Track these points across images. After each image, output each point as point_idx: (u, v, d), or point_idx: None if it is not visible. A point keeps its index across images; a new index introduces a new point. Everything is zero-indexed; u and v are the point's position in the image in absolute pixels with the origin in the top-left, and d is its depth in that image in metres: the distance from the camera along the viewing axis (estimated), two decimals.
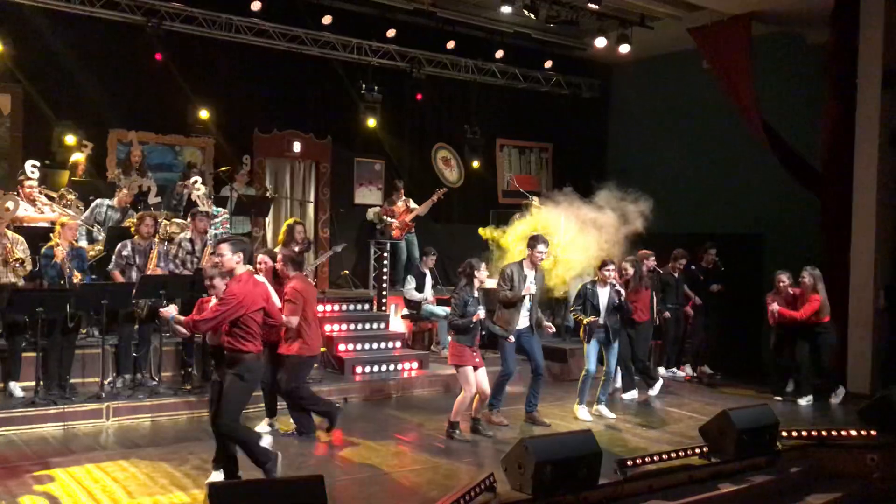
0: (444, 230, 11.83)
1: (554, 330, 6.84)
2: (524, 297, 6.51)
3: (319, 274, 10.25)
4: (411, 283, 9.53)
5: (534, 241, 6.69)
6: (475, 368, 6.16)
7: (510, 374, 6.63)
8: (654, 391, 8.08)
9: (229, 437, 4.77)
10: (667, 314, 8.91)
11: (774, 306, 7.86)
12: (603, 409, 7.21)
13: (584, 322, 6.87)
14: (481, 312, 6.06)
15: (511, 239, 9.93)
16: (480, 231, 10.57)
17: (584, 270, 8.62)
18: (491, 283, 7.17)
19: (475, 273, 6.17)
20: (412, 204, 10.87)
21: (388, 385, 8.12)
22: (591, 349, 6.95)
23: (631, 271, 8.06)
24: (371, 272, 10.12)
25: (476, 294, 6.19)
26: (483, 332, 6.20)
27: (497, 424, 6.61)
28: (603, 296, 7.09)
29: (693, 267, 9.70)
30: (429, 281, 9.69)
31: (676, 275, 9.37)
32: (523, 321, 6.60)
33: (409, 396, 8.06)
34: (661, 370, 9.36)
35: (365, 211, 10.91)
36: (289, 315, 5.85)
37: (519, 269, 6.61)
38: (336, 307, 9.33)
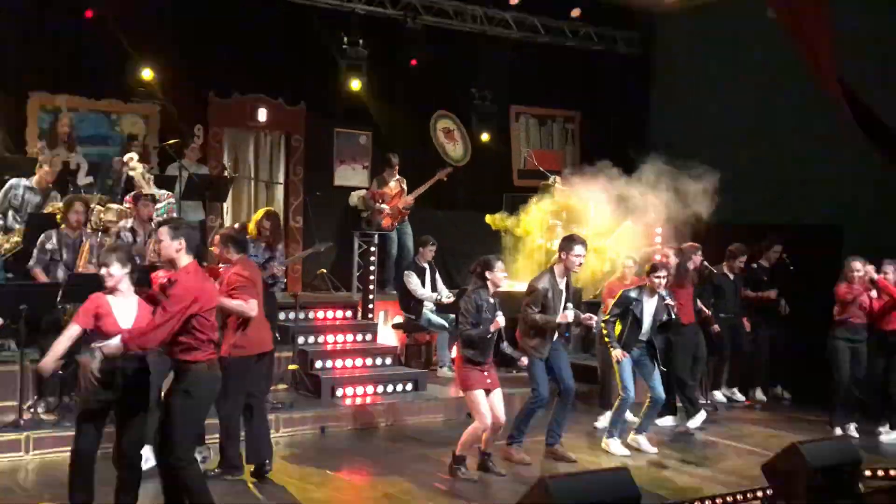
0: (445, 219, 11.89)
1: (595, 321, 6.92)
2: (560, 324, 6.65)
3: (290, 273, 10.33)
4: (412, 278, 9.62)
5: (568, 242, 6.74)
6: (487, 392, 6.23)
7: (543, 401, 6.73)
8: (694, 423, 8.19)
9: (179, 479, 4.65)
10: (716, 327, 9.02)
11: (864, 298, 7.91)
12: (642, 440, 7.29)
13: (614, 356, 7.02)
14: (500, 319, 6.12)
15: (525, 227, 10.12)
16: (488, 219, 10.79)
17: (618, 265, 8.64)
18: (510, 284, 7.30)
19: (490, 273, 6.24)
20: (406, 186, 10.95)
21: (376, 411, 8.20)
22: (625, 368, 7.09)
23: (673, 261, 8.21)
24: (355, 271, 10.21)
25: (492, 298, 6.26)
26: (498, 352, 6.29)
27: (518, 462, 6.71)
28: (649, 307, 7.21)
29: (755, 266, 9.80)
30: (429, 276, 9.81)
31: (733, 276, 9.52)
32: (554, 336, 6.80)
33: (401, 425, 8.12)
34: (717, 394, 9.62)
35: (347, 195, 10.95)
36: (246, 299, 5.75)
37: (552, 280, 6.68)
38: (311, 315, 9.49)
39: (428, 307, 9.84)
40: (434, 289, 9.87)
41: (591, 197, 9.47)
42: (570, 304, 6.75)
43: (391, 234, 10.68)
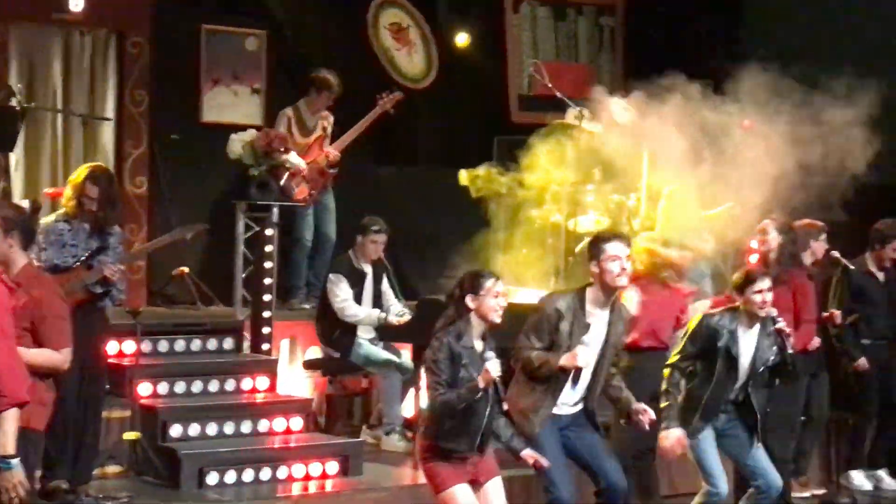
0: (395, 181, 11.95)
1: (653, 418, 7.18)
2: (571, 370, 6.98)
3: (131, 275, 10.25)
4: (341, 287, 9.89)
5: (595, 244, 7.06)
6: (474, 483, 6.50)
7: (562, 501, 7.01)
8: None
9: None
10: (862, 362, 9.50)
11: None
12: None
13: (669, 440, 7.39)
14: (493, 368, 6.36)
15: (531, 193, 10.07)
16: (465, 178, 10.77)
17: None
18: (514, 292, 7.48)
19: (474, 299, 6.47)
20: (331, 128, 11.12)
21: None
22: (706, 449, 7.46)
23: (774, 243, 8.62)
24: (238, 272, 10.38)
25: (479, 341, 6.52)
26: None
27: None
28: (748, 343, 7.51)
29: None
30: (371, 284, 10.04)
31: (884, 275, 9.89)
32: (569, 400, 7.11)
33: None
34: (856, 477, 9.89)
35: (224, 139, 10.77)
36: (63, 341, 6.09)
37: (574, 304, 7.01)
38: (162, 346, 9.56)
39: (365, 335, 10.04)
40: (378, 304, 10.11)
41: (652, 139, 9.56)
42: (588, 345, 6.98)
43: (304, 212, 11.00)
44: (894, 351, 9.91)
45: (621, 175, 10.19)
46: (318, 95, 11.05)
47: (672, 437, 7.35)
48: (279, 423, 9.21)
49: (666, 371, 7.50)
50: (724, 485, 7.46)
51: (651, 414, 7.09)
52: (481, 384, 6.35)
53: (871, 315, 9.77)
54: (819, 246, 9.21)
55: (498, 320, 6.53)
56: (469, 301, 6.46)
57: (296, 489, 8.62)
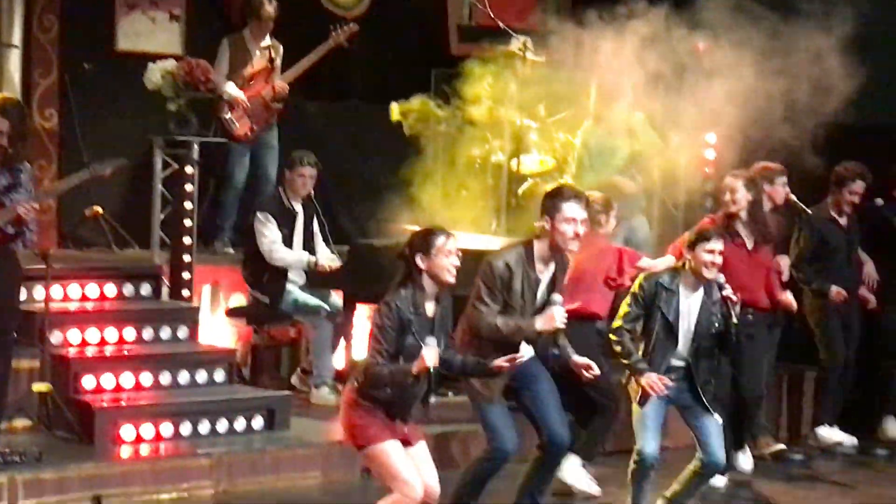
0: (328, 119, 11.98)
1: (597, 373, 7.22)
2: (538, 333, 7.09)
3: (41, 215, 9.93)
4: (269, 227, 9.89)
5: (553, 200, 7.08)
6: (406, 443, 6.50)
7: (504, 459, 7.08)
8: (746, 464, 9.19)
9: None
10: (833, 289, 9.75)
11: None
12: None
13: (642, 382, 7.37)
14: (429, 357, 6.28)
15: (464, 121, 10.14)
16: (396, 112, 10.85)
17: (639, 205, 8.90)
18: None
19: (425, 258, 6.42)
20: (280, 58, 11.12)
21: (196, 468, 8.35)
22: (650, 416, 7.45)
23: (743, 200, 8.78)
24: (155, 213, 10.49)
25: (431, 302, 6.47)
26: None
27: None
28: (690, 305, 7.51)
29: (880, 203, 10.29)
30: (301, 224, 10.10)
31: (845, 221, 10.02)
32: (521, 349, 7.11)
33: (244, 492, 8.34)
34: (823, 432, 10.21)
35: (142, 68, 10.81)
36: None
37: (524, 262, 7.02)
38: (75, 291, 9.50)
39: (295, 280, 10.07)
40: (309, 247, 10.13)
41: (602, 70, 9.60)
42: (556, 299, 7.02)
43: (240, 150, 11.11)
44: (856, 299, 10.08)
45: (568, 111, 10.29)
46: (256, 23, 11.00)
47: (650, 379, 7.32)
48: (201, 375, 9.22)
49: (612, 336, 7.49)
50: (652, 449, 7.46)
51: (595, 368, 7.13)
52: (414, 370, 6.29)
53: (833, 264, 9.91)
54: (778, 191, 9.27)
55: (451, 280, 6.45)
56: (419, 261, 6.38)
57: (219, 445, 8.63)
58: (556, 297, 7.06)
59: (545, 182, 10.53)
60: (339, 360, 10.14)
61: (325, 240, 10.33)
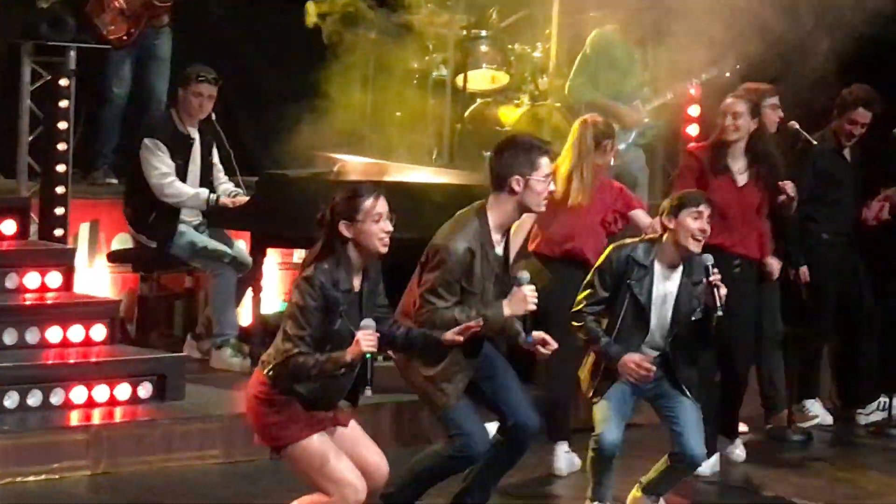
0: (232, 24, 11.91)
1: (554, 347, 7.22)
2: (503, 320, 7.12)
3: None
4: (159, 156, 9.84)
5: (531, 153, 7.12)
6: (331, 430, 6.58)
7: (473, 456, 7.15)
8: (737, 451, 9.31)
9: None
10: (803, 272, 9.83)
11: None
12: None
13: (620, 367, 7.49)
14: (366, 341, 6.35)
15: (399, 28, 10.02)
16: (309, 11, 10.78)
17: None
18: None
19: (353, 221, 6.42)
20: None
21: (71, 444, 8.25)
22: (613, 403, 7.57)
23: (745, 127, 8.82)
24: (23, 134, 10.24)
25: (358, 276, 6.52)
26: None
27: None
28: (667, 286, 7.61)
29: None
30: (198, 156, 10.09)
31: (849, 153, 10.19)
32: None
33: (129, 473, 8.30)
34: (812, 406, 10.34)
35: None
36: None
37: (480, 236, 7.10)
38: None
39: (190, 219, 10.06)
40: (207, 181, 10.15)
41: None
42: (523, 277, 7.05)
43: (120, 59, 10.97)
44: (855, 252, 10.21)
45: (525, 18, 10.18)
46: None
47: (633, 360, 7.40)
48: (76, 332, 9.08)
49: (574, 323, 7.56)
50: (610, 437, 7.48)
51: (552, 343, 7.13)
52: (348, 358, 6.29)
53: (836, 202, 10.01)
54: (769, 115, 9.23)
55: (384, 250, 6.47)
56: (344, 229, 6.35)
57: (97, 417, 8.54)
58: (524, 275, 7.06)
59: (497, 103, 10.68)
60: (244, 316, 10.11)
61: (228, 171, 10.26)
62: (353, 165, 10.28)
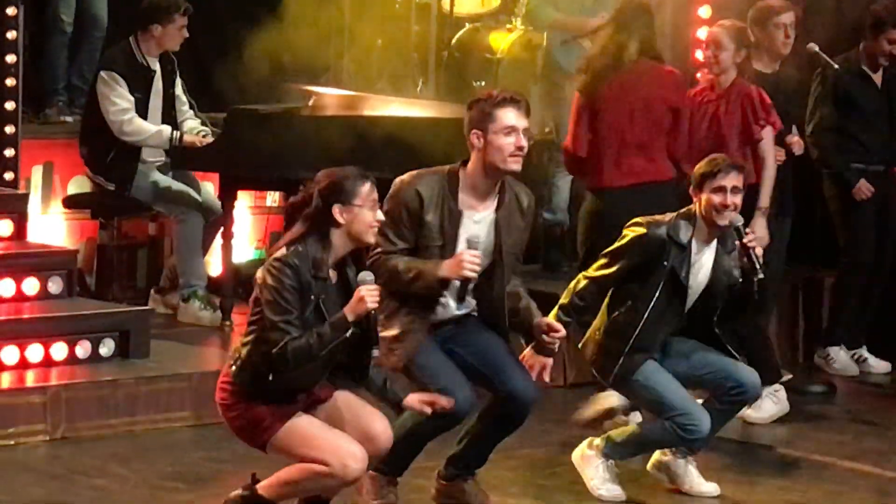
0: None
1: (562, 334, 7.30)
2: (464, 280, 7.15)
3: None
4: (117, 91, 9.87)
5: (488, 105, 7.15)
6: (316, 404, 6.65)
7: (457, 415, 7.13)
8: (764, 411, 9.15)
9: None
10: (863, 185, 9.94)
11: None
12: (692, 475, 7.87)
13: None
14: (370, 295, 6.42)
15: None
16: None
17: None
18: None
19: (350, 204, 6.47)
20: None
21: (26, 407, 8.31)
22: (655, 380, 7.61)
23: (728, 60, 8.92)
24: None
25: (334, 269, 6.57)
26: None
27: None
28: (702, 264, 7.67)
29: None
30: (160, 89, 10.13)
31: (881, 76, 10.20)
32: (450, 314, 7.30)
33: (88, 439, 8.33)
34: (837, 354, 10.36)
35: None
36: None
37: (442, 188, 7.16)
38: None
39: (152, 160, 10.09)
40: (170, 117, 10.16)
41: None
42: (477, 241, 7.07)
43: None
44: (892, 183, 10.16)
45: None
46: None
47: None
48: (30, 285, 9.09)
49: (580, 283, 7.55)
50: (700, 416, 7.50)
51: (562, 330, 7.18)
52: (351, 317, 6.32)
53: (864, 131, 9.98)
54: (777, 36, 9.23)
55: (373, 240, 6.58)
56: (338, 214, 6.38)
57: (54, 377, 8.56)
58: (476, 238, 7.07)
59: (487, 29, 10.65)
60: (214, 266, 10.17)
61: (193, 106, 10.28)
62: (330, 99, 10.23)
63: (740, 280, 7.55)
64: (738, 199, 7.46)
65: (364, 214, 6.42)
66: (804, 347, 10.68)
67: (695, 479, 7.71)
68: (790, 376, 9.66)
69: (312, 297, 6.37)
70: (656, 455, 7.77)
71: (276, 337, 6.28)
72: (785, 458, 8.58)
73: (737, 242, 7.51)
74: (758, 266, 7.48)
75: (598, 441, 7.63)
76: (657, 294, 7.48)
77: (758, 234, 8.57)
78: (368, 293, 6.32)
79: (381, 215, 6.55)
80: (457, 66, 10.40)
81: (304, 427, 6.41)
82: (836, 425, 9.34)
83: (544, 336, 7.16)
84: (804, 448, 8.71)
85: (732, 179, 7.44)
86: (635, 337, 7.50)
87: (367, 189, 6.42)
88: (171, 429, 8.50)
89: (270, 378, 6.39)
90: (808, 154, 9.71)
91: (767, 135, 8.82)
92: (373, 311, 6.37)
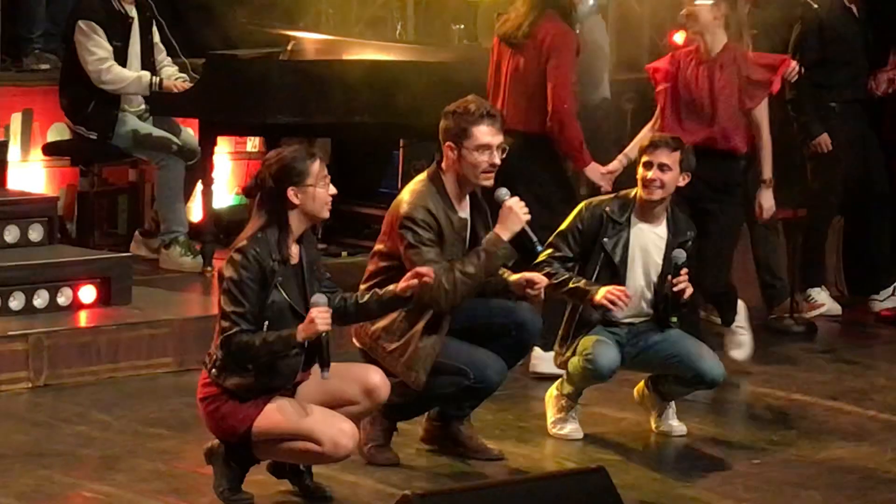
0: None
1: (544, 282, 7.36)
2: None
3: None
4: (95, 39, 9.87)
5: (464, 121, 7.20)
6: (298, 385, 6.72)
7: (489, 386, 7.29)
8: (741, 350, 9.13)
9: None
10: (823, 139, 9.91)
11: None
12: (671, 421, 8.01)
13: (600, 298, 7.48)
14: (321, 315, 6.41)
15: None
16: None
17: None
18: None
19: (302, 185, 6.49)
20: None
21: (4, 354, 8.31)
22: (601, 351, 7.61)
23: (709, 25, 8.80)
24: None
25: (296, 245, 6.61)
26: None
27: (375, 461, 7.29)
28: (643, 242, 7.68)
29: None
30: (138, 36, 10.12)
31: (856, 9, 10.26)
32: None
33: (70, 386, 8.37)
34: (816, 293, 10.43)
35: None
36: None
37: (439, 201, 7.21)
38: None
39: (132, 109, 10.09)
40: (149, 63, 10.14)
41: None
42: (503, 192, 7.16)
43: None
44: (867, 122, 10.27)
45: None
46: None
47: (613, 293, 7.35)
48: (11, 233, 9.11)
49: (540, 262, 7.54)
50: (606, 361, 7.51)
51: (542, 279, 7.25)
52: (300, 337, 6.33)
53: (846, 64, 10.04)
54: None
55: (327, 215, 6.64)
56: (292, 196, 6.41)
57: (37, 324, 8.55)
58: (502, 190, 7.15)
59: None
60: (195, 211, 10.17)
61: (171, 52, 10.26)
62: (308, 43, 10.25)
63: (677, 264, 7.53)
64: (666, 178, 7.47)
65: (318, 193, 6.46)
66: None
67: (668, 414, 7.88)
68: (773, 317, 9.84)
69: (277, 282, 6.40)
70: (640, 385, 7.89)
71: (225, 325, 6.32)
72: (765, 397, 8.58)
73: (669, 277, 7.49)
74: (675, 311, 7.57)
75: (558, 382, 7.74)
76: (597, 270, 7.54)
77: (765, 206, 8.80)
78: (319, 315, 6.31)
79: (334, 190, 6.56)
80: (435, 9, 10.40)
81: (277, 419, 6.43)
82: (816, 365, 9.39)
83: (528, 291, 7.21)
84: (784, 387, 8.72)
85: (663, 156, 7.47)
86: (579, 315, 7.58)
87: (317, 167, 6.46)
88: (154, 375, 8.53)
89: (240, 377, 6.42)
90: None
91: (762, 104, 8.77)
92: (324, 334, 6.34)
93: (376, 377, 6.62)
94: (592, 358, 7.44)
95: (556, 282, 7.45)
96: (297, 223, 6.49)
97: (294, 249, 6.53)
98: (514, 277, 7.27)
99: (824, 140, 9.88)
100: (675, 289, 7.48)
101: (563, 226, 7.63)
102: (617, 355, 7.53)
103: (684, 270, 7.50)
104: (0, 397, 8.08)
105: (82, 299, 8.77)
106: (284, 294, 6.40)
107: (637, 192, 7.57)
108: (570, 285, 7.45)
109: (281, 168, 6.45)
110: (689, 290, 7.54)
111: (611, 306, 7.36)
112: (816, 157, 9.98)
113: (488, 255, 7.05)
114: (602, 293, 7.34)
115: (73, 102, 9.93)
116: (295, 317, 6.40)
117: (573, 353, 7.55)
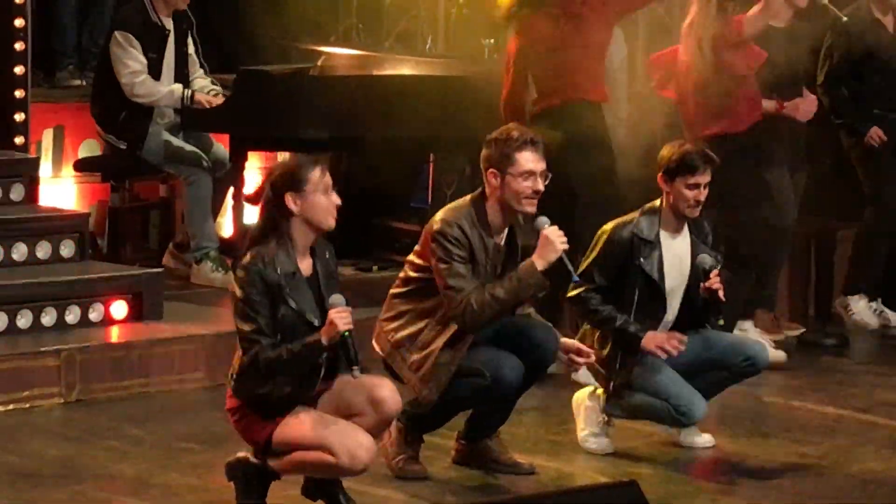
0: None
1: (590, 359, 7.47)
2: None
3: None
4: (131, 52, 9.89)
5: (508, 148, 7.21)
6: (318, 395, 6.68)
7: (508, 388, 7.24)
8: (773, 354, 8.95)
9: None
10: (874, 131, 9.88)
11: None
12: (695, 437, 7.98)
13: (647, 346, 7.52)
14: (340, 315, 6.39)
15: None
16: None
17: None
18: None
19: (301, 191, 6.45)
20: None
21: (36, 370, 8.31)
22: (663, 377, 7.64)
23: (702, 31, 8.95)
24: None
25: (304, 255, 6.56)
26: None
27: (404, 473, 7.28)
28: (674, 255, 7.68)
29: None
30: (173, 49, 10.11)
31: (892, 21, 10.16)
32: None
33: (102, 401, 8.40)
34: (855, 302, 10.28)
35: None
36: None
37: (476, 225, 7.23)
38: None
39: (163, 121, 10.11)
40: (182, 76, 10.17)
41: None
42: (543, 220, 7.16)
43: None
44: None
45: None
46: None
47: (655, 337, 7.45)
48: (43, 249, 9.10)
49: (577, 308, 7.67)
50: (694, 401, 7.53)
51: (589, 353, 7.32)
52: (324, 340, 6.32)
53: (882, 79, 9.92)
54: None
55: (332, 224, 6.51)
56: (290, 202, 6.38)
57: (69, 340, 8.55)
58: (542, 218, 7.13)
59: None
60: (226, 227, 10.23)
61: (203, 66, 10.30)
62: (339, 58, 10.25)
63: (705, 270, 7.52)
64: (703, 196, 7.50)
65: (317, 199, 6.42)
66: (816, 300, 10.57)
67: (691, 430, 7.81)
68: (803, 329, 9.77)
69: (283, 294, 6.38)
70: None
71: (246, 347, 6.33)
72: (797, 410, 8.55)
73: (701, 284, 7.48)
74: (717, 313, 7.57)
75: (600, 391, 7.68)
76: (636, 293, 7.53)
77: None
78: (338, 316, 6.30)
79: (338, 199, 6.51)
80: (466, 23, 10.38)
81: (298, 428, 6.42)
82: (849, 378, 9.34)
83: (572, 356, 7.29)
84: (817, 400, 8.70)
85: (707, 176, 7.47)
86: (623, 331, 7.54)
87: (317, 174, 6.43)
88: (185, 390, 8.56)
89: (267, 387, 6.41)
90: (821, 105, 9.58)
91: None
92: (346, 333, 6.32)
93: (384, 390, 6.57)
94: (686, 411, 7.47)
95: (599, 319, 7.50)
96: (299, 233, 6.45)
97: (306, 262, 6.51)
98: (566, 342, 7.32)
99: (875, 132, 9.83)
100: (709, 292, 7.49)
101: (593, 255, 7.60)
102: (705, 403, 7.57)
103: (714, 272, 7.49)
104: (33, 413, 8.10)
105: (114, 315, 8.78)
106: (294, 307, 6.38)
107: (661, 203, 7.56)
108: (617, 326, 7.45)
109: (280, 175, 6.46)
110: (722, 290, 7.53)
111: (663, 355, 7.41)
112: (867, 160, 9.92)
113: (521, 283, 7.06)
114: (651, 341, 7.39)
115: (106, 111, 9.96)
116: (309, 329, 6.38)
117: (629, 384, 7.53)
